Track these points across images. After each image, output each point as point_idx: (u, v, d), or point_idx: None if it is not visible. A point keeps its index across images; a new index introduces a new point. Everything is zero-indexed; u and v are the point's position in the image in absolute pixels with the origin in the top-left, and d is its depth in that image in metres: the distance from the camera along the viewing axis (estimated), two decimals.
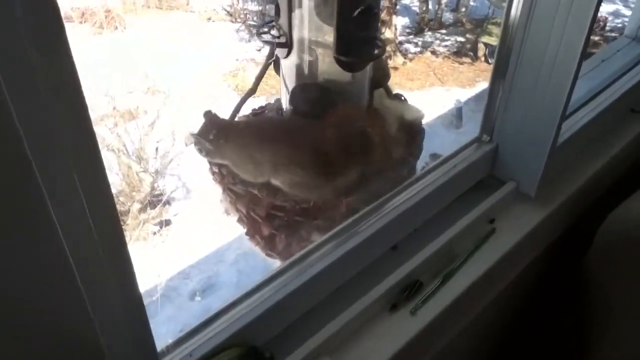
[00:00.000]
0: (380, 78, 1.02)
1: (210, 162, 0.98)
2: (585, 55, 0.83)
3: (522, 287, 1.00)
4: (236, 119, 1.02)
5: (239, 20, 8.63)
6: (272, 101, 1.11)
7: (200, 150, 0.92)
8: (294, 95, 0.98)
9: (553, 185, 0.97)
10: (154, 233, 4.63)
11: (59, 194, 0.33)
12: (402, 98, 1.09)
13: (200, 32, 8.29)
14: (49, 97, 0.32)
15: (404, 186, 0.88)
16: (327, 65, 0.97)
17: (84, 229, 0.37)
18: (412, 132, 1.03)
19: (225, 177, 0.95)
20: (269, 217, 0.96)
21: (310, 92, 0.94)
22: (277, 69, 1.00)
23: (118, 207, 3.86)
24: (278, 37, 0.89)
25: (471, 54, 7.96)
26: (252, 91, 1.00)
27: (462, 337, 0.87)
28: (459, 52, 8.12)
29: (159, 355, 0.58)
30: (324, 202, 0.93)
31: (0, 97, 0.28)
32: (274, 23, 0.91)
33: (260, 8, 8.46)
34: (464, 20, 8.79)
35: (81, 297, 0.37)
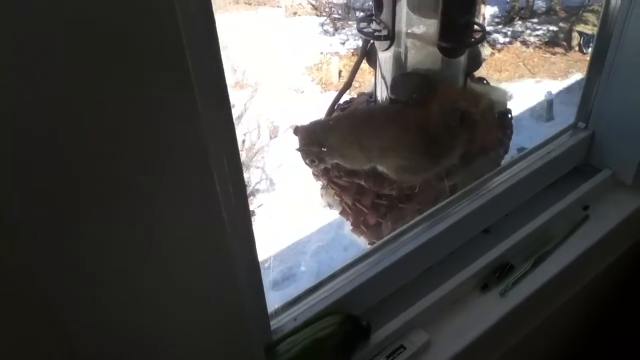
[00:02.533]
0: (473, 65, 1.05)
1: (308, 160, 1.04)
2: None
3: (615, 275, 0.98)
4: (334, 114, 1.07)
5: (324, 13, 8.73)
6: (355, 96, 1.16)
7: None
8: (395, 85, 1.02)
9: None
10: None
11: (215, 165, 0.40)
12: (485, 81, 1.10)
13: (286, 27, 8.47)
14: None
15: (498, 171, 0.90)
16: (419, 55, 1.01)
17: (226, 196, 0.44)
18: (501, 113, 1.05)
19: (329, 172, 1.01)
20: (374, 206, 1.01)
21: (412, 80, 0.97)
22: (371, 61, 1.05)
23: None
24: (380, 31, 0.93)
25: (564, 43, 7.59)
26: (348, 85, 1.05)
27: (551, 322, 0.88)
28: (551, 42, 7.76)
29: (270, 316, 0.65)
30: (428, 187, 0.97)
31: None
32: (374, 17, 0.96)
33: (345, 1, 8.52)
34: (557, 8, 8.38)
35: (229, 254, 0.43)
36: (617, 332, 1.11)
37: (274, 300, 0.76)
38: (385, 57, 1.02)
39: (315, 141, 0.98)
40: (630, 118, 0.90)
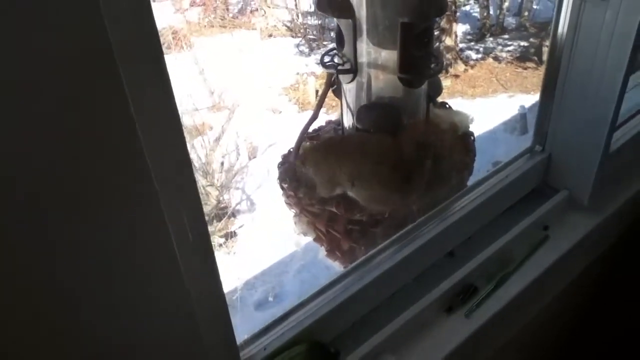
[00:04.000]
0: (434, 91, 1.09)
1: (283, 188, 1.07)
2: (632, 68, 0.86)
3: (577, 292, 1.02)
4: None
5: (299, 35, 8.83)
6: (323, 123, 1.20)
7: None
8: (360, 114, 1.06)
9: (606, 193, 0.99)
10: (220, 245, 4.81)
11: (166, 194, 0.42)
12: (447, 106, 1.15)
13: (262, 48, 8.54)
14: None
15: (459, 195, 0.94)
16: (381, 84, 1.05)
17: (181, 228, 0.46)
18: (464, 136, 1.09)
19: (301, 200, 1.03)
20: (347, 232, 1.04)
21: (376, 110, 1.01)
22: (337, 92, 1.09)
23: None
24: (342, 65, 0.97)
25: (535, 58, 7.77)
26: (314, 117, 1.08)
27: (516, 341, 0.91)
28: (522, 57, 7.95)
29: (238, 348, 0.67)
30: (397, 211, 1.00)
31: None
32: (336, 51, 1.00)
33: (319, 22, 8.63)
34: (527, 24, 8.60)
35: (185, 288, 0.46)
36: (581, 350, 1.15)
37: (258, 321, 0.78)
38: (349, 87, 1.06)
39: (294, 176, 1.02)
40: (583, 140, 0.94)
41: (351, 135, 1.05)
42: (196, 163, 4.90)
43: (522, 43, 8.26)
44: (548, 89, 0.97)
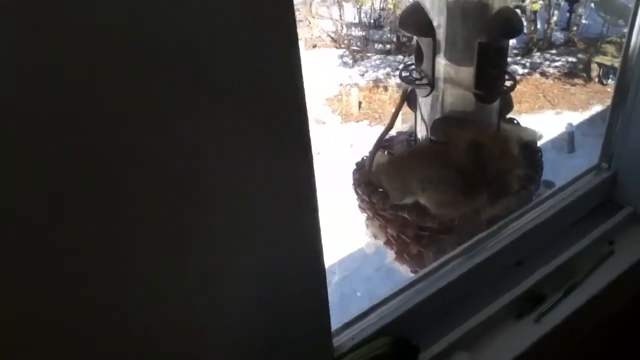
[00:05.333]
0: (505, 108, 1.15)
1: (358, 193, 1.15)
2: None
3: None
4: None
5: (343, 46, 8.92)
6: (395, 134, 1.27)
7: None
8: (435, 127, 1.13)
9: None
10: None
11: None
12: (515, 121, 1.20)
13: (306, 59, 8.65)
14: None
15: (527, 209, 0.99)
16: (454, 99, 1.12)
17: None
18: (532, 151, 1.15)
19: (375, 205, 1.11)
20: (417, 237, 1.10)
21: (451, 123, 1.08)
22: (411, 105, 1.16)
23: None
24: (420, 79, 1.04)
25: (584, 74, 7.65)
26: (390, 127, 1.16)
27: (583, 348, 0.95)
28: (570, 73, 7.83)
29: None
30: (466, 220, 1.06)
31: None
32: (414, 67, 1.07)
33: (363, 34, 8.72)
34: (575, 39, 8.47)
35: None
36: None
37: None
38: (424, 101, 1.13)
39: (368, 182, 1.10)
40: None
41: (423, 144, 1.12)
42: None
43: (570, 59, 8.15)
44: (617, 107, 1.01)
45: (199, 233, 0.47)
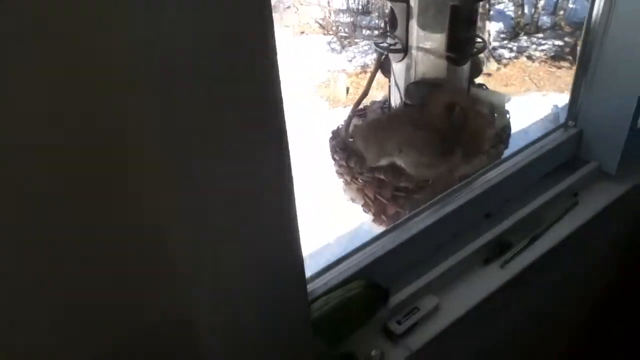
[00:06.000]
0: (474, 72, 1.19)
1: (335, 159, 1.19)
2: None
3: (607, 257, 1.11)
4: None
5: (330, 32, 8.92)
6: (369, 104, 1.31)
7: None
8: (408, 91, 1.17)
9: (633, 166, 1.08)
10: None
11: None
12: (485, 87, 1.25)
13: (294, 46, 8.64)
14: None
15: (497, 163, 1.04)
16: (426, 65, 1.16)
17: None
18: (501, 114, 1.19)
19: (352, 169, 1.15)
20: (393, 198, 1.15)
21: (423, 87, 1.12)
22: (386, 71, 1.19)
23: None
24: (394, 45, 1.08)
25: (570, 57, 7.72)
26: (365, 93, 1.20)
27: (548, 295, 1.00)
28: (556, 57, 7.90)
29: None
30: (439, 179, 1.11)
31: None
32: (388, 33, 1.11)
33: (351, 20, 8.73)
34: (562, 23, 8.52)
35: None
36: (612, 308, 1.23)
37: None
38: (398, 67, 1.17)
39: (345, 148, 1.14)
40: (612, 116, 1.03)
41: (399, 109, 1.16)
42: None
43: (557, 42, 8.21)
44: (581, 69, 1.06)
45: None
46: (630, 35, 0.96)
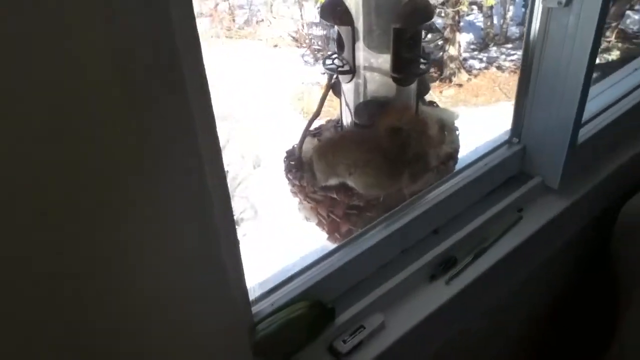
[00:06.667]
0: (422, 90, 1.22)
1: (289, 178, 1.21)
2: (592, 69, 0.99)
3: (551, 269, 1.14)
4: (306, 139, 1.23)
5: (304, 45, 8.99)
6: (324, 122, 1.34)
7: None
8: (358, 111, 1.19)
9: (575, 181, 1.12)
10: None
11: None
12: (435, 104, 1.28)
13: (267, 59, 8.68)
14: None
15: (443, 180, 1.07)
16: (376, 84, 1.19)
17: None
18: (450, 130, 1.22)
19: (305, 188, 1.17)
20: (346, 216, 1.17)
21: (372, 106, 1.14)
22: (336, 92, 1.22)
23: None
24: (342, 66, 1.11)
25: None
26: (317, 114, 1.22)
27: (494, 309, 1.03)
28: None
29: (251, 303, 0.80)
30: (390, 196, 1.13)
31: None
32: (336, 55, 1.14)
33: (324, 32, 8.80)
34: None
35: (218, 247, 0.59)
36: (559, 321, 1.27)
37: None
38: (348, 87, 1.19)
39: (299, 167, 1.15)
40: (553, 132, 1.07)
41: (348, 130, 1.18)
42: None
43: None
44: (523, 88, 1.10)
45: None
46: (565, 52, 1.00)
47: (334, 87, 1.23)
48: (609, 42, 7.95)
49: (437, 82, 7.83)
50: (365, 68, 1.17)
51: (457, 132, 1.23)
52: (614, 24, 8.04)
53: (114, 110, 0.46)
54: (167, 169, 0.52)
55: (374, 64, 1.15)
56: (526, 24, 1.07)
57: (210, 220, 0.58)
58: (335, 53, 1.20)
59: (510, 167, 1.13)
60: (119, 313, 0.55)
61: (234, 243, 0.71)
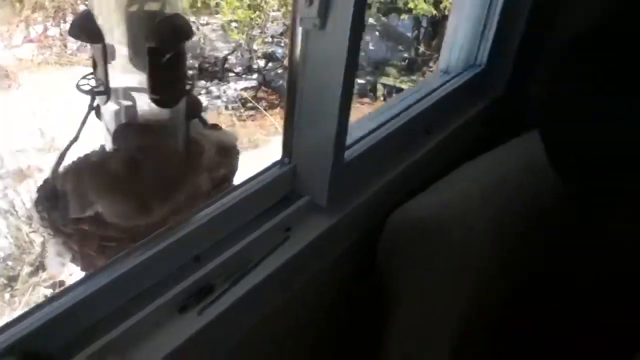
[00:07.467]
0: (194, 109, 1.17)
1: (38, 211, 1.07)
2: (349, 91, 1.01)
3: (320, 286, 1.14)
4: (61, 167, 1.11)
5: None
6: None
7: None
8: (116, 135, 1.10)
9: (344, 197, 1.13)
10: (46, 296, 4.42)
11: None
12: (218, 127, 1.24)
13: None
14: None
15: (209, 202, 1.01)
16: (149, 106, 1.11)
17: None
18: (228, 153, 1.18)
19: (55, 221, 1.04)
20: (102, 249, 1.06)
21: (132, 130, 1.06)
22: (99, 115, 1.12)
23: (6, 272, 3.70)
24: (97, 87, 1.02)
25: (372, 94, 8.38)
26: (75, 139, 1.10)
27: (257, 334, 0.99)
28: (360, 93, 8.51)
29: None
30: (152, 226, 1.04)
31: None
32: (92, 75, 1.04)
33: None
34: (364, 63, 9.25)
35: None
36: (331, 338, 1.27)
37: None
38: (107, 110, 1.10)
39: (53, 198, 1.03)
40: (319, 152, 1.07)
41: (99, 154, 1.09)
42: (20, 209, 4.45)
43: (360, 80, 8.86)
44: (290, 108, 1.09)
45: None
46: (325, 73, 1.01)
47: (97, 110, 1.13)
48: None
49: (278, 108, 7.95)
50: (129, 88, 1.09)
51: (237, 155, 1.19)
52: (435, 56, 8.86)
53: None
54: None
55: (132, 82, 1.07)
56: (289, 45, 1.07)
57: None
58: (92, 73, 1.10)
59: (281, 186, 1.12)
60: None
61: None
